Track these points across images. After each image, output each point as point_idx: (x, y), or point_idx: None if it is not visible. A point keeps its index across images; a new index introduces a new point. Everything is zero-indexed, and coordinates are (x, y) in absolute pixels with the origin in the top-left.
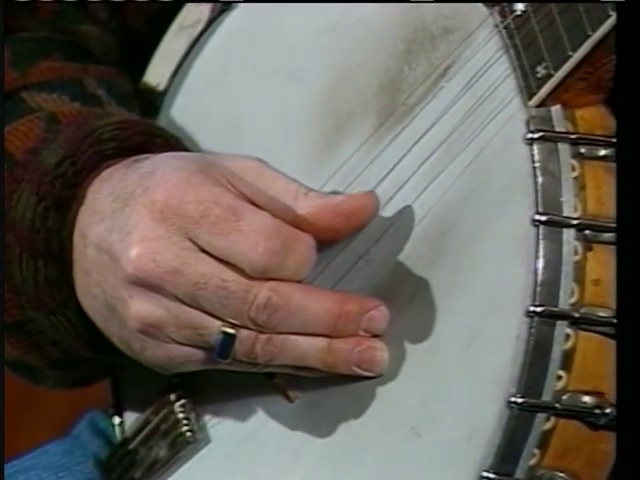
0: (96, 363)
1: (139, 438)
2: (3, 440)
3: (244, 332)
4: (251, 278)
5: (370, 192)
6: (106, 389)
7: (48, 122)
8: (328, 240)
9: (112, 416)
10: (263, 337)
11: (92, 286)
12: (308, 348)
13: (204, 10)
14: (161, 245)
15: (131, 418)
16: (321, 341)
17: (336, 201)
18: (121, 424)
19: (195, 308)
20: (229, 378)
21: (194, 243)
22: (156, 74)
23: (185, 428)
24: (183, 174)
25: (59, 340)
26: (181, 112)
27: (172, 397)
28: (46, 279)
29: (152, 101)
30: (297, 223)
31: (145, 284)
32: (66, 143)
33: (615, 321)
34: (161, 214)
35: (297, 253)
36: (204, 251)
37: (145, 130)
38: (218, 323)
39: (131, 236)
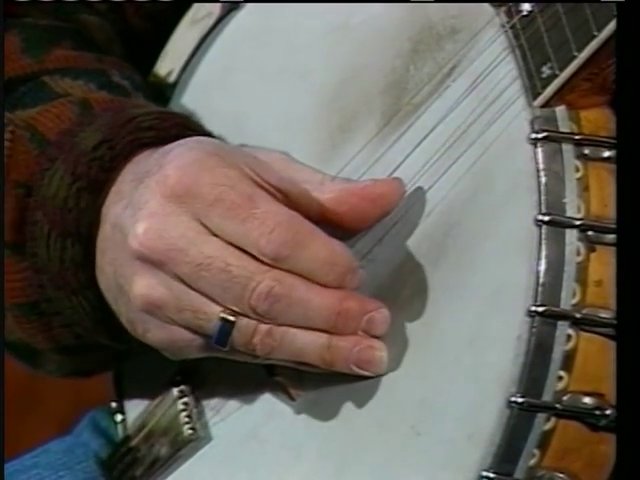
0: (105, 351)
1: (141, 435)
2: (3, 440)
3: (243, 321)
4: (257, 265)
5: (396, 178)
6: (108, 388)
7: (81, 107)
8: (354, 226)
9: (114, 413)
10: (263, 329)
11: (106, 264)
12: (307, 344)
13: (215, 4)
14: (169, 222)
15: (133, 415)
16: (320, 337)
17: (362, 185)
18: (123, 421)
19: (197, 291)
20: (232, 376)
21: (203, 224)
22: (168, 66)
23: (187, 426)
24: (197, 154)
25: (75, 322)
26: (188, 109)
27: (174, 394)
28: (72, 259)
29: (161, 94)
30: (323, 209)
31: (149, 260)
32: (105, 127)
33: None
34: (172, 191)
35: (311, 249)
36: (213, 234)
37: (183, 123)
38: (217, 309)
39: (141, 212)
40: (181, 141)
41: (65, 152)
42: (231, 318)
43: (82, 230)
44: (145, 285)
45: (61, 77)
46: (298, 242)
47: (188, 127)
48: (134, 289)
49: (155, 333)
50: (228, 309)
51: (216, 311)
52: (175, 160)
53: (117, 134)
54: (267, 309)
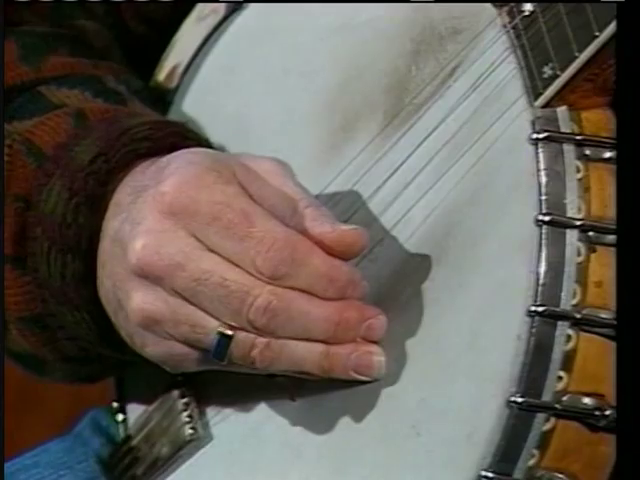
0: (110, 360)
1: (142, 435)
2: (3, 439)
3: (241, 335)
4: (254, 280)
5: (358, 230)
6: (108, 388)
7: (76, 119)
8: None
9: (116, 413)
10: (261, 343)
11: (105, 278)
12: (306, 354)
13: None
14: (166, 238)
15: (134, 415)
16: (319, 347)
17: (321, 231)
18: (124, 421)
19: (194, 305)
20: (233, 376)
21: (200, 241)
22: (173, 61)
23: (188, 426)
24: (195, 170)
25: (79, 336)
26: (191, 110)
27: (175, 394)
28: (73, 274)
29: (162, 97)
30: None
31: (147, 276)
32: (100, 140)
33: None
34: (170, 208)
35: (309, 266)
36: (210, 250)
37: (178, 131)
38: (215, 323)
39: (139, 227)
40: (177, 154)
41: (61, 167)
42: (229, 332)
43: (82, 245)
44: (142, 300)
45: (57, 87)
46: (295, 259)
47: (184, 136)
48: (132, 304)
49: (153, 348)
50: (226, 324)
51: (214, 325)
52: (172, 176)
53: (112, 147)
54: (266, 323)
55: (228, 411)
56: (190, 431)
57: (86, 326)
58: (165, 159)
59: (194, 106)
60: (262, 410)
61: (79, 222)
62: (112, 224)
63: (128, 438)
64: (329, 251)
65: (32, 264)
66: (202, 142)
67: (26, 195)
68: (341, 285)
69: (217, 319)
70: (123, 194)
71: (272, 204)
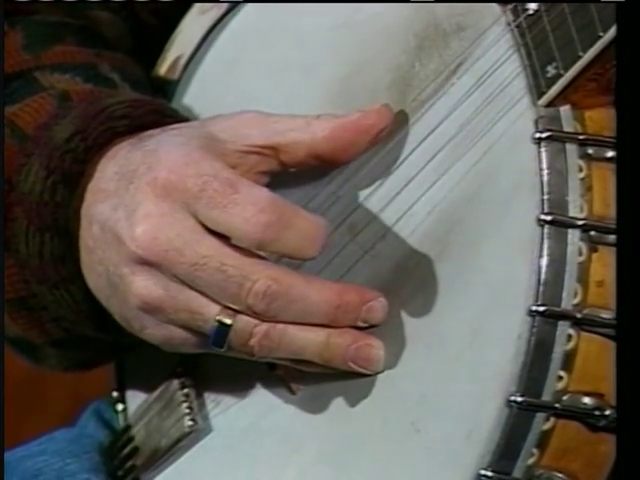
0: (97, 344)
1: (141, 425)
2: (3, 439)
3: (240, 323)
4: (253, 264)
5: (383, 105)
6: (109, 384)
7: (60, 99)
8: (348, 158)
9: (115, 403)
10: (260, 331)
11: (95, 264)
12: (306, 342)
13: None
14: (164, 222)
15: (134, 405)
16: (319, 336)
17: (354, 118)
18: (124, 411)
19: (194, 290)
20: (233, 368)
21: (197, 221)
22: (175, 53)
23: (187, 417)
24: (184, 150)
25: (61, 316)
26: (193, 102)
27: (175, 385)
28: (51, 253)
29: (164, 90)
30: (317, 149)
31: (147, 262)
32: (78, 119)
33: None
34: (163, 190)
35: (297, 229)
36: (208, 230)
37: (157, 109)
38: (214, 311)
39: (135, 214)
40: (162, 137)
41: (40, 146)
42: (227, 321)
43: (60, 224)
44: (143, 286)
45: (51, 72)
46: (282, 223)
47: (163, 113)
48: (132, 289)
49: (152, 331)
50: (227, 308)
51: (213, 313)
52: (164, 160)
53: (89, 125)
54: (265, 308)
55: (228, 403)
56: (190, 423)
57: (65, 304)
58: (152, 143)
59: (196, 98)
60: (262, 403)
61: (56, 200)
62: (100, 209)
63: (128, 428)
64: (366, 135)
65: (14, 245)
66: (181, 120)
67: (9, 177)
68: (323, 243)
69: (218, 304)
70: (106, 180)
71: (283, 130)
